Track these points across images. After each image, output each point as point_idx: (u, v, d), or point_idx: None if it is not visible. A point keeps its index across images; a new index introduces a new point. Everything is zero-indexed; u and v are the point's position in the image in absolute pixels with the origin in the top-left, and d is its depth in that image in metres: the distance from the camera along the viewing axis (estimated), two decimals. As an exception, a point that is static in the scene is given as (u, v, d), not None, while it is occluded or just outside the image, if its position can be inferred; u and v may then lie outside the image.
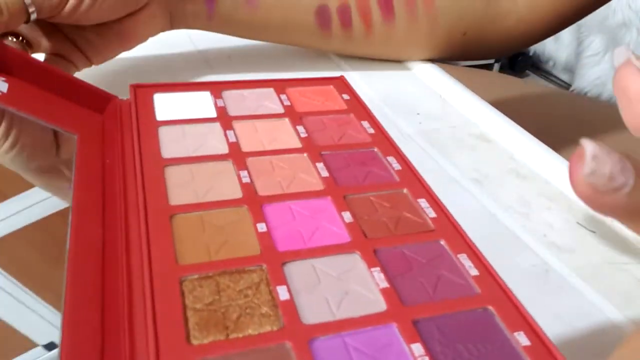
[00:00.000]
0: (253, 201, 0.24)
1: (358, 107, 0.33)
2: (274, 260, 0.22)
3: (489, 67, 1.82)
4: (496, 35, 0.41)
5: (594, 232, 0.27)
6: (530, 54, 1.81)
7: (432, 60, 0.43)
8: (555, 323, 0.22)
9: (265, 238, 0.23)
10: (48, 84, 0.29)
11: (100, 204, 0.24)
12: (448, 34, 0.39)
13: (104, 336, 0.19)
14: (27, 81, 0.29)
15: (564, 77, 1.75)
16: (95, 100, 0.29)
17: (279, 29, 0.38)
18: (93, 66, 0.36)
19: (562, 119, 0.63)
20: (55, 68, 0.30)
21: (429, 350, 0.19)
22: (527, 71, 1.88)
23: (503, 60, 1.84)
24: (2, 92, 0.27)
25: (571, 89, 1.60)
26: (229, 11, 0.37)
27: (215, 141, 0.28)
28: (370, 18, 0.38)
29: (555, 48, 1.71)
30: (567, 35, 1.64)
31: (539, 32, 0.43)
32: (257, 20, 0.37)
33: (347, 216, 0.24)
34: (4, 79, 0.27)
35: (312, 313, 0.20)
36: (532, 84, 0.77)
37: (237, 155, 0.27)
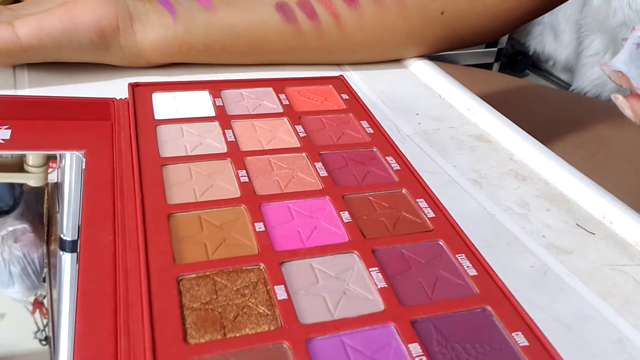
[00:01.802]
0: (251, 200, 0.24)
1: (357, 107, 0.33)
2: (271, 260, 0.22)
3: (488, 66, 1.82)
4: (478, 14, 0.40)
5: (593, 233, 0.27)
6: (530, 53, 1.81)
7: (430, 58, 0.43)
8: (553, 324, 0.22)
9: (263, 237, 0.23)
10: (49, 114, 0.29)
11: (111, 214, 0.24)
12: (424, 14, 0.38)
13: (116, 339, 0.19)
14: (30, 118, 0.29)
15: (564, 77, 1.75)
16: (97, 110, 0.30)
17: (245, 30, 0.37)
18: (91, 67, 0.36)
19: (561, 119, 0.63)
20: (52, 97, 0.30)
21: (427, 350, 0.19)
22: (526, 71, 1.88)
23: (503, 59, 1.84)
24: (5, 140, 0.27)
25: (571, 88, 1.60)
26: (189, 13, 0.36)
27: (213, 140, 0.28)
28: (334, 7, 0.37)
29: (555, 48, 1.71)
30: (567, 35, 1.64)
31: (525, 10, 0.42)
32: (219, 20, 0.36)
33: (346, 216, 0.24)
34: (6, 126, 0.28)
35: (309, 313, 0.20)
36: (531, 83, 0.77)
37: (235, 155, 0.27)
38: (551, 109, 0.66)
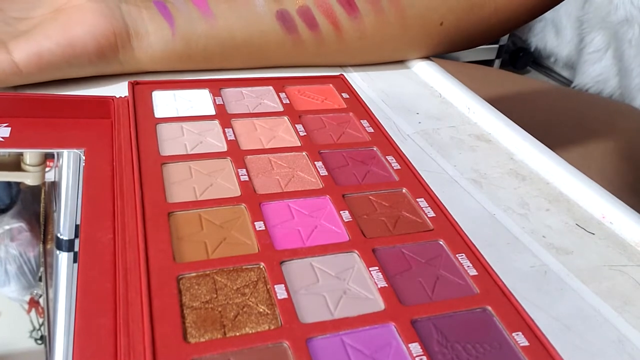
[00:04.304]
0: (251, 199, 0.24)
1: (357, 106, 0.33)
2: (272, 259, 0.22)
3: (490, 63, 1.82)
4: (475, 24, 0.41)
5: (592, 233, 0.27)
6: (532, 50, 1.81)
7: (427, 57, 0.43)
8: (553, 324, 0.22)
9: (263, 236, 0.23)
10: (48, 112, 0.29)
11: (110, 213, 0.24)
12: (423, 25, 0.39)
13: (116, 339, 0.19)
14: (29, 116, 0.29)
15: (565, 73, 1.75)
16: (96, 108, 0.30)
17: (245, 41, 0.37)
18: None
19: (562, 116, 0.63)
20: (52, 95, 0.30)
21: (427, 350, 0.19)
22: (528, 67, 1.88)
23: (504, 56, 1.84)
24: (5, 137, 0.27)
25: (572, 85, 1.60)
26: (188, 24, 0.36)
27: (213, 139, 0.28)
28: (335, 16, 0.37)
29: (557, 44, 1.71)
30: (568, 31, 1.64)
31: (518, 19, 0.42)
32: (219, 31, 0.36)
33: (346, 215, 0.24)
34: (6, 124, 0.28)
35: (310, 312, 0.20)
36: (532, 80, 0.77)
37: (235, 154, 0.27)
38: (552, 105, 0.66)
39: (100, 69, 0.35)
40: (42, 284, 0.25)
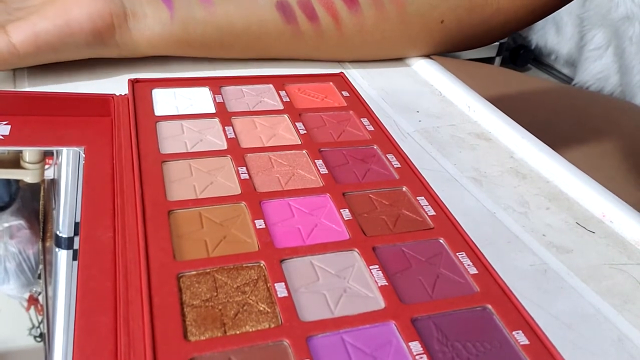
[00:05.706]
0: (251, 198, 0.24)
1: (357, 104, 0.33)
2: (272, 257, 0.22)
3: (490, 60, 1.82)
4: (476, 24, 0.41)
5: (593, 232, 0.27)
6: (532, 47, 1.81)
7: (428, 55, 0.43)
8: (553, 323, 0.22)
9: (264, 235, 0.23)
10: (48, 110, 0.29)
11: (110, 211, 0.24)
12: (424, 22, 0.39)
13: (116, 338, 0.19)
14: (29, 114, 0.29)
15: (566, 71, 1.75)
16: (96, 106, 0.29)
17: (244, 30, 0.37)
18: (91, 63, 0.36)
19: (562, 114, 0.63)
20: (52, 93, 0.30)
21: (427, 348, 0.19)
22: (528, 65, 1.88)
23: (504, 53, 1.84)
24: (5, 135, 0.27)
25: (573, 82, 1.59)
26: (186, 9, 0.36)
27: (213, 137, 0.28)
28: (335, 8, 0.37)
29: (557, 41, 1.70)
30: (569, 28, 1.64)
31: (520, 21, 0.42)
32: (218, 18, 0.36)
33: (346, 213, 0.24)
34: (5, 122, 0.28)
35: (310, 310, 0.20)
36: (533, 78, 0.77)
37: (235, 152, 0.27)
38: (553, 103, 0.66)
39: (97, 51, 0.35)
40: (42, 281, 0.25)
